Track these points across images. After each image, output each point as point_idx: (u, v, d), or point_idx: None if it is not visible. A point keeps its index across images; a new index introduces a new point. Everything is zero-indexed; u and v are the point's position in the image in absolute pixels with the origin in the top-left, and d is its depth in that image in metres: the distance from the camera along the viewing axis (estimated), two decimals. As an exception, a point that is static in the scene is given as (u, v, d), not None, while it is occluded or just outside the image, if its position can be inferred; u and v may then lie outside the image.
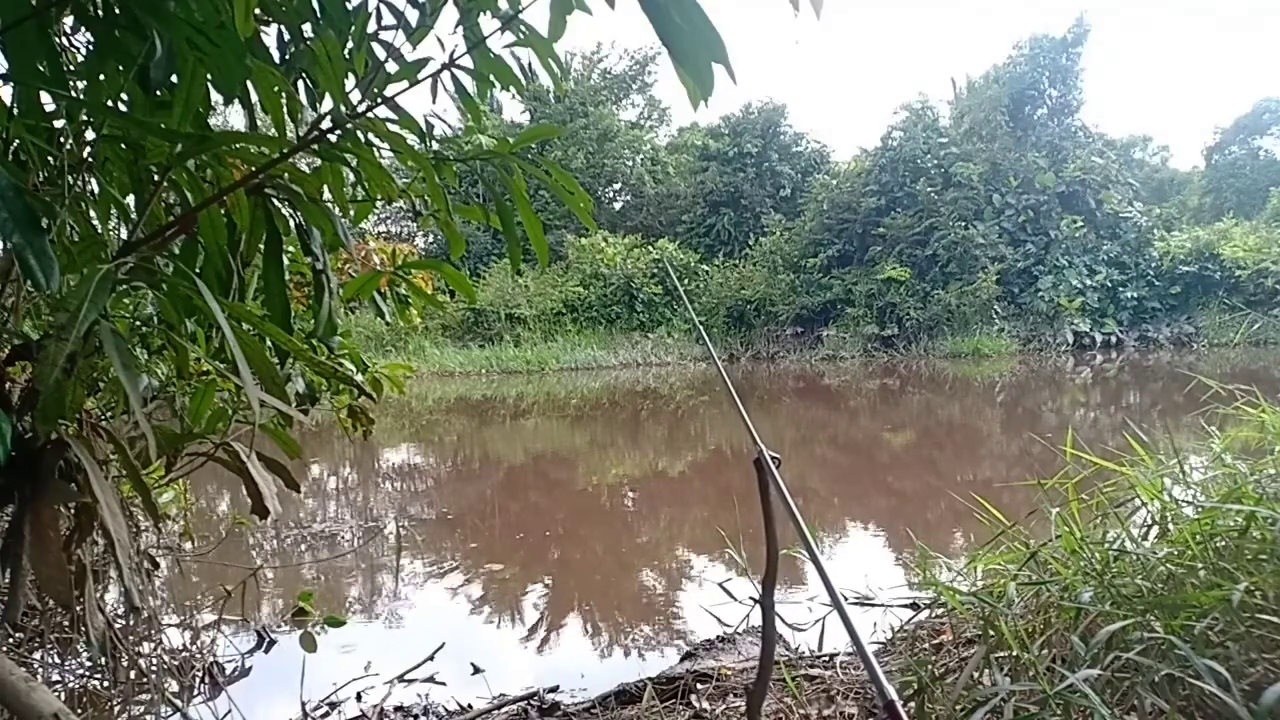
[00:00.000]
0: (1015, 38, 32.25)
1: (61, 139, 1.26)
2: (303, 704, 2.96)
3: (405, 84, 1.47)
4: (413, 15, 1.53)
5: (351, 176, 1.59)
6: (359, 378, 2.55)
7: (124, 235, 1.49)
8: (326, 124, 1.40)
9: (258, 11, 1.38)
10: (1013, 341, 21.70)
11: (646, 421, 12.47)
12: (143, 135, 1.21)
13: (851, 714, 2.40)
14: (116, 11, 1.16)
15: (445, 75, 1.54)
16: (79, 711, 2.85)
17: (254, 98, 1.44)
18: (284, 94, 1.43)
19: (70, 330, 0.94)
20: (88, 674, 3.10)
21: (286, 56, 1.56)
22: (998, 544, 2.50)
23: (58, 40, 1.38)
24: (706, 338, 1.99)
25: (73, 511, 1.52)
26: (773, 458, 1.45)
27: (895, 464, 8.74)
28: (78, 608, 1.57)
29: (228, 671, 3.29)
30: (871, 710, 2.40)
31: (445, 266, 1.78)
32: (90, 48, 1.38)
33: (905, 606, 3.19)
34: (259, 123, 1.57)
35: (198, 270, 1.32)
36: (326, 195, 1.55)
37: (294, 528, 5.88)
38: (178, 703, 2.94)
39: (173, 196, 1.46)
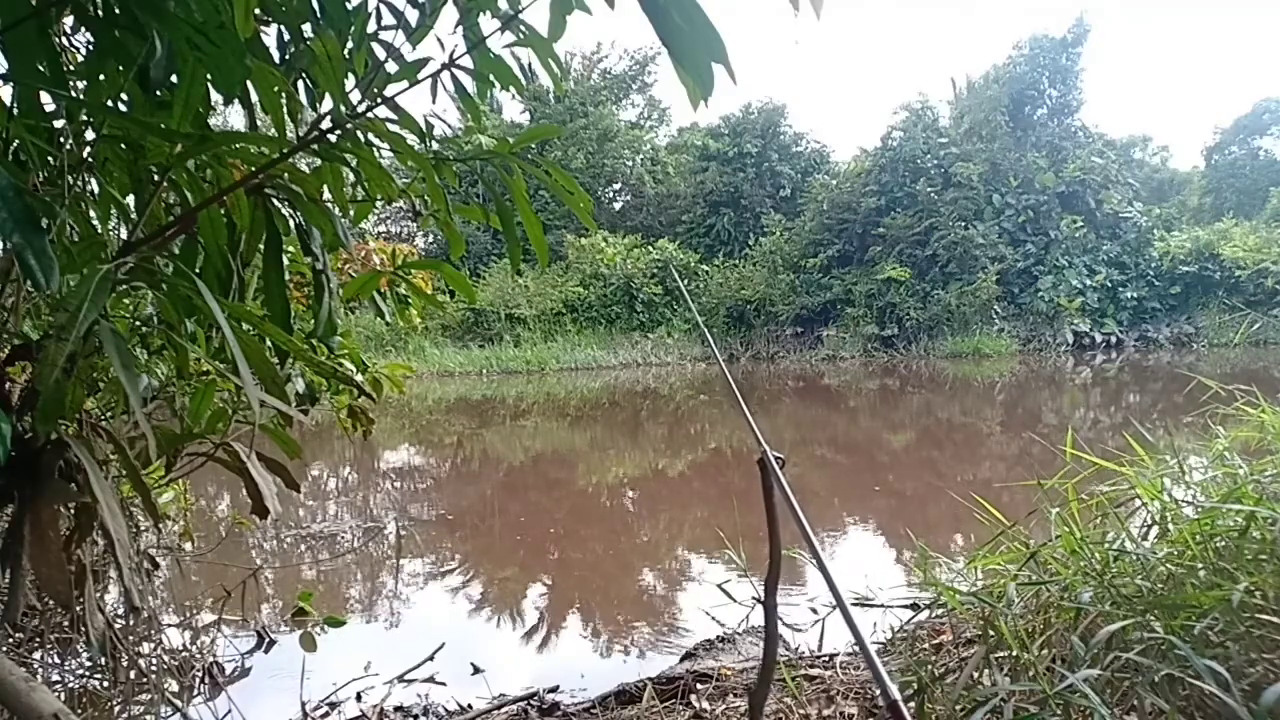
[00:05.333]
0: (1015, 38, 32.28)
1: (61, 139, 1.26)
2: (303, 704, 2.96)
3: (405, 84, 1.47)
4: (413, 15, 1.53)
5: (351, 176, 1.59)
6: (359, 378, 2.55)
7: (124, 235, 1.49)
8: (326, 124, 1.40)
9: (258, 11, 1.38)
10: (1013, 341, 21.70)
11: (646, 422, 12.47)
12: (143, 135, 1.21)
13: (851, 714, 2.40)
14: (116, 11, 1.16)
15: (445, 75, 1.54)
16: (79, 711, 2.85)
17: (254, 98, 1.44)
18: (284, 94, 1.43)
19: (70, 330, 0.94)
20: (88, 674, 3.10)
21: (286, 56, 1.56)
22: (997, 544, 2.50)
23: (58, 40, 1.38)
24: (710, 338, 1.99)
25: (73, 511, 1.52)
26: (776, 458, 1.44)
27: (895, 464, 8.74)
28: (78, 608, 1.57)
29: (228, 671, 3.28)
30: (871, 710, 2.40)
31: (445, 266, 1.78)
32: (90, 48, 1.38)
33: (905, 607, 3.19)
34: (259, 123, 1.57)
35: (198, 270, 1.32)
36: (326, 195, 1.55)
37: (294, 528, 5.88)
38: (178, 703, 2.94)
39: (173, 196, 1.46)
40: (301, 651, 3.32)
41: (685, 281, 24.06)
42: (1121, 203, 22.93)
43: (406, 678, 3.25)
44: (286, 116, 1.47)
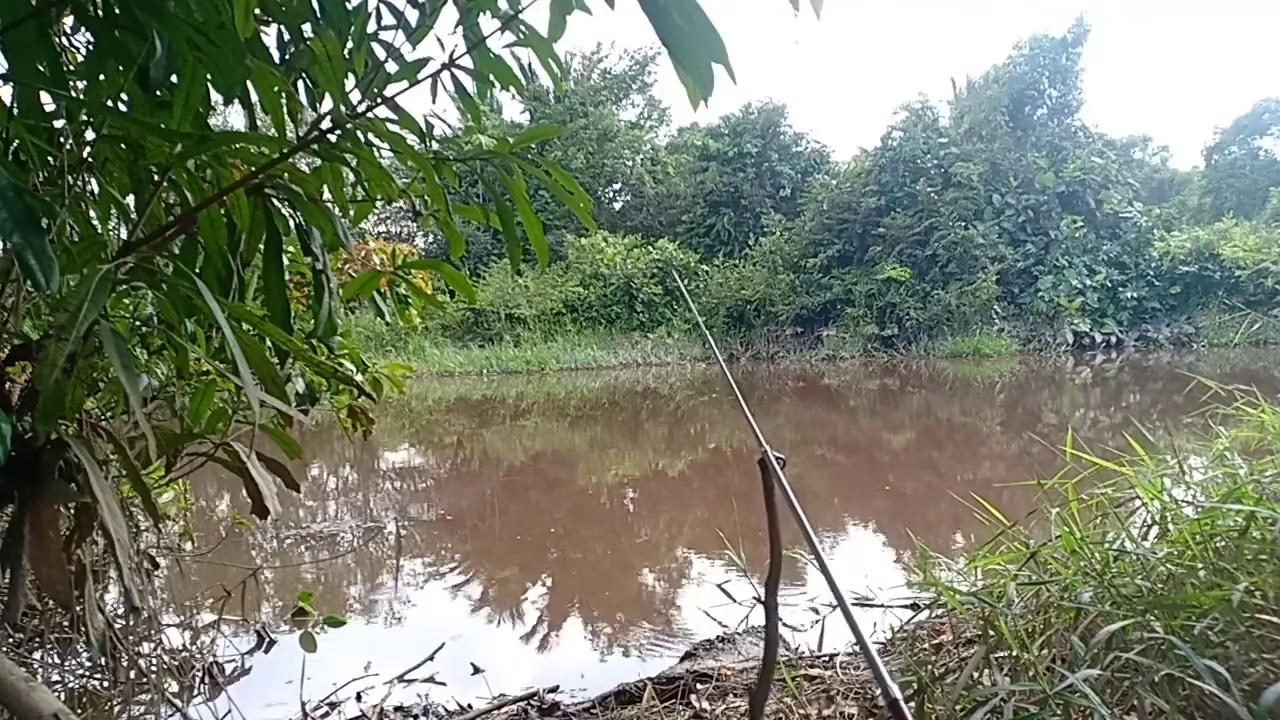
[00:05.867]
0: (1015, 38, 32.32)
1: (61, 139, 1.26)
2: (303, 704, 2.96)
3: (405, 84, 1.47)
4: (413, 15, 1.53)
5: (351, 176, 1.59)
6: (359, 378, 2.55)
7: (124, 235, 1.49)
8: (326, 124, 1.40)
9: (258, 11, 1.38)
10: (1013, 341, 21.70)
11: (646, 422, 12.47)
12: (143, 135, 1.21)
13: (851, 714, 2.40)
14: (116, 11, 1.16)
15: (445, 75, 1.54)
16: (79, 711, 2.85)
17: (254, 98, 1.44)
18: (284, 94, 1.43)
19: (70, 330, 0.94)
20: (88, 674, 3.10)
21: (286, 56, 1.56)
22: (998, 544, 2.50)
23: (58, 40, 1.38)
24: (710, 339, 1.99)
25: (73, 511, 1.52)
26: (777, 458, 1.44)
27: (895, 464, 8.74)
28: (78, 608, 1.57)
29: (228, 671, 3.29)
30: (871, 710, 2.40)
31: (445, 266, 1.78)
32: (90, 48, 1.38)
33: (905, 607, 3.19)
34: (259, 123, 1.57)
35: (198, 270, 1.32)
36: (326, 195, 1.55)
37: (294, 528, 5.88)
38: (178, 703, 2.94)
39: (173, 196, 1.46)
40: (301, 651, 3.32)
41: (685, 282, 24.06)
42: (1121, 203, 22.92)
43: (406, 678, 3.25)
44: (286, 116, 1.47)
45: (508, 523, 6.60)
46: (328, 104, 1.46)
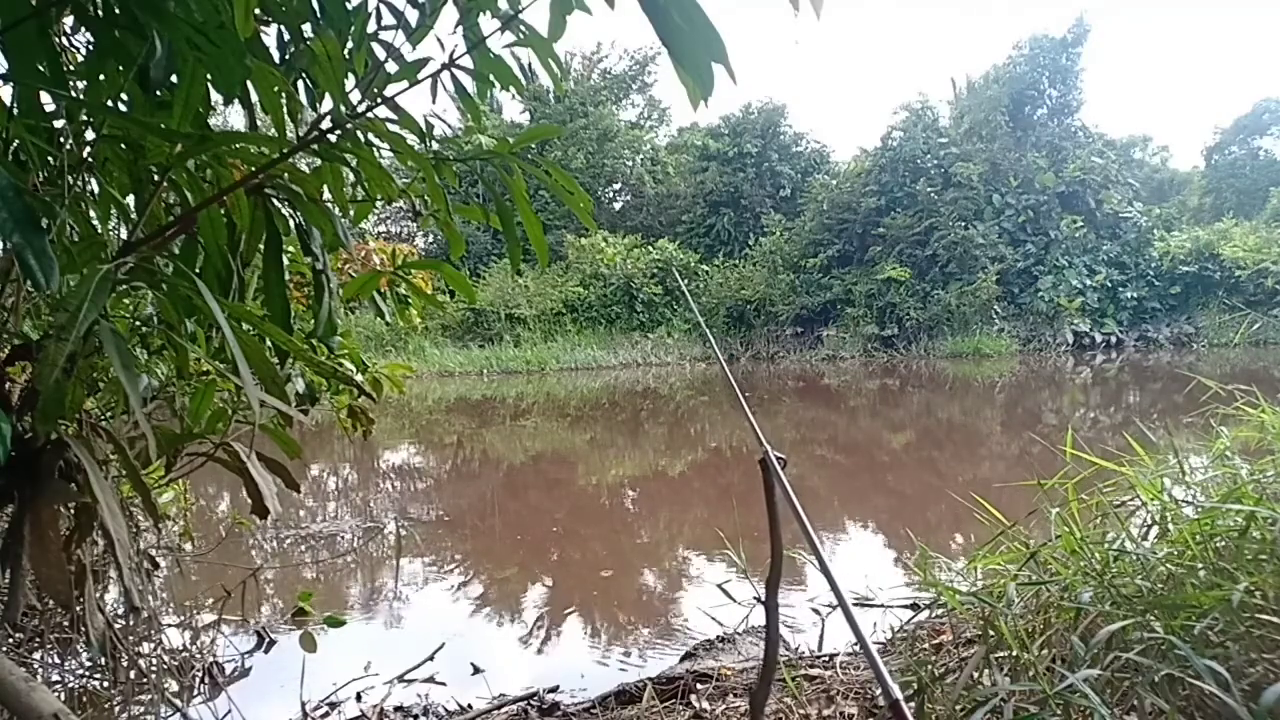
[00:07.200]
0: (1015, 38, 32.35)
1: (61, 139, 1.26)
2: (303, 704, 2.95)
3: (405, 84, 1.47)
4: (413, 15, 1.54)
5: (351, 176, 1.59)
6: (359, 378, 2.55)
7: (124, 235, 1.49)
8: (326, 124, 1.40)
9: (258, 11, 1.38)
10: (1013, 341, 21.70)
11: (646, 421, 12.47)
12: (143, 135, 1.21)
13: (851, 714, 2.40)
14: (116, 11, 1.16)
15: (445, 75, 1.54)
16: (79, 711, 2.85)
17: (254, 98, 1.44)
18: (284, 94, 1.43)
19: (70, 330, 0.94)
20: (88, 674, 3.10)
21: (286, 56, 1.56)
22: (997, 544, 2.50)
23: (58, 40, 1.38)
24: (711, 338, 2.00)
25: (73, 511, 1.52)
26: (778, 458, 1.45)
27: (895, 464, 8.74)
28: (78, 608, 1.57)
29: (228, 671, 3.28)
30: (871, 710, 2.40)
31: (445, 266, 1.79)
32: (90, 48, 1.39)
33: (905, 607, 3.18)
34: (259, 123, 1.57)
35: (198, 270, 1.32)
36: (326, 195, 1.55)
37: (294, 528, 5.88)
38: (178, 703, 2.94)
39: (173, 196, 1.46)
40: (301, 651, 3.32)
41: (685, 282, 24.09)
42: (1121, 203, 22.92)
43: (406, 678, 3.25)
44: (286, 116, 1.47)
45: (508, 523, 6.60)
46: (328, 104, 1.46)
